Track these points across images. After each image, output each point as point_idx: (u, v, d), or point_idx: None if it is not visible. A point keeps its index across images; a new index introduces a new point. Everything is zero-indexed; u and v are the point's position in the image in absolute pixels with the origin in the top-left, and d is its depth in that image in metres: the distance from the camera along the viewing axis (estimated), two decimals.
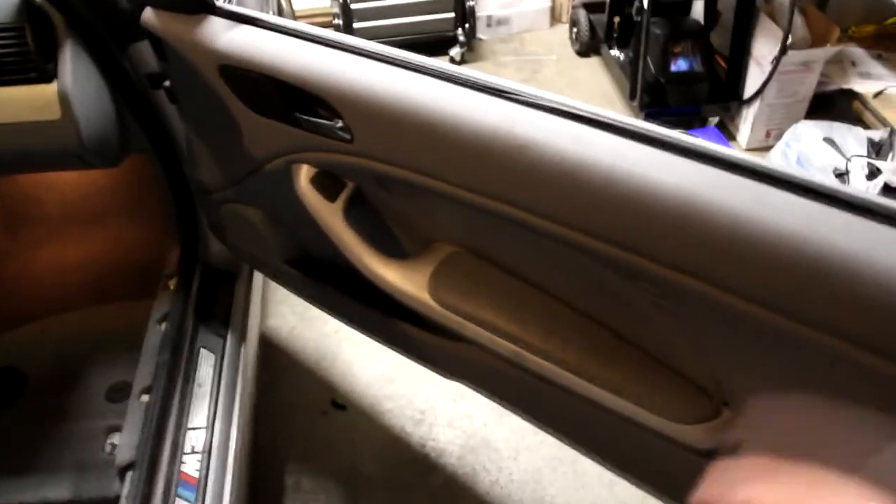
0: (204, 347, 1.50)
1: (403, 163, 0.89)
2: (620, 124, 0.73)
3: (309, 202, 1.07)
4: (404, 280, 1.05)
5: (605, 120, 0.74)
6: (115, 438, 1.48)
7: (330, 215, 1.08)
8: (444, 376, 1.29)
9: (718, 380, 0.83)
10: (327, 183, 1.08)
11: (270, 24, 1.00)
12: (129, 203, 1.92)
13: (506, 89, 0.80)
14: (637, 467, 1.07)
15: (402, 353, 1.34)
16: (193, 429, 1.36)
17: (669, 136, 0.71)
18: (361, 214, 1.10)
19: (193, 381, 1.43)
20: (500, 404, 1.24)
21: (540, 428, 1.20)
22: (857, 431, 0.71)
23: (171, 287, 1.59)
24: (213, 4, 1.04)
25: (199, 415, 1.39)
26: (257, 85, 1.01)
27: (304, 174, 1.07)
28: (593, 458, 1.16)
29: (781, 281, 0.65)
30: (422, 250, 1.09)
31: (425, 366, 1.31)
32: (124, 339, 1.67)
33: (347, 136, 0.92)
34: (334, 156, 0.98)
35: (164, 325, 1.51)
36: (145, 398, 1.39)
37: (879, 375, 0.63)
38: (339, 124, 0.93)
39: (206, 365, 1.47)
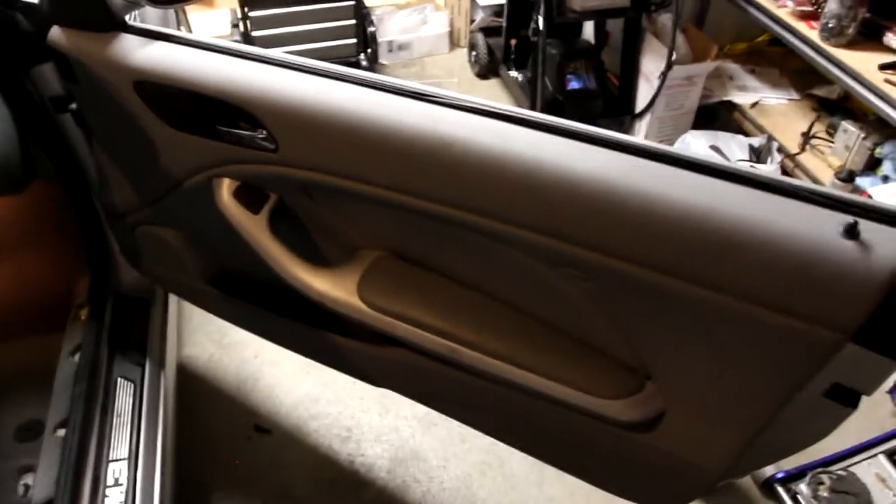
0: (121, 377, 1.45)
1: (329, 168, 0.91)
2: (538, 120, 0.79)
3: (232, 215, 1.08)
4: (333, 287, 1.07)
5: (524, 116, 0.79)
6: (29, 479, 1.41)
7: (254, 228, 1.08)
8: (373, 384, 1.30)
9: (640, 354, 0.89)
10: (250, 196, 1.09)
11: (186, 39, 1.00)
12: (28, 234, 1.83)
13: (426, 92, 0.84)
14: (568, 452, 1.12)
15: (329, 365, 1.34)
16: (115, 461, 1.32)
17: (583, 129, 0.78)
18: (285, 226, 1.11)
19: (112, 411, 1.38)
20: (429, 406, 1.27)
21: (472, 426, 1.23)
22: (765, 383, 0.78)
23: (83, 317, 1.54)
24: (125, 22, 1.04)
25: (120, 446, 1.34)
26: (175, 100, 1.01)
27: (226, 188, 1.08)
28: (525, 450, 1.20)
29: (692, 252, 0.71)
30: (347, 257, 1.11)
31: (353, 375, 1.32)
32: (32, 375, 1.59)
33: (271, 146, 0.94)
34: (258, 167, 0.99)
35: (76, 357, 1.46)
36: (61, 432, 1.33)
37: (778, 329, 0.71)
38: (262, 135, 0.95)
39: (124, 394, 1.43)
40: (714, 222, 0.70)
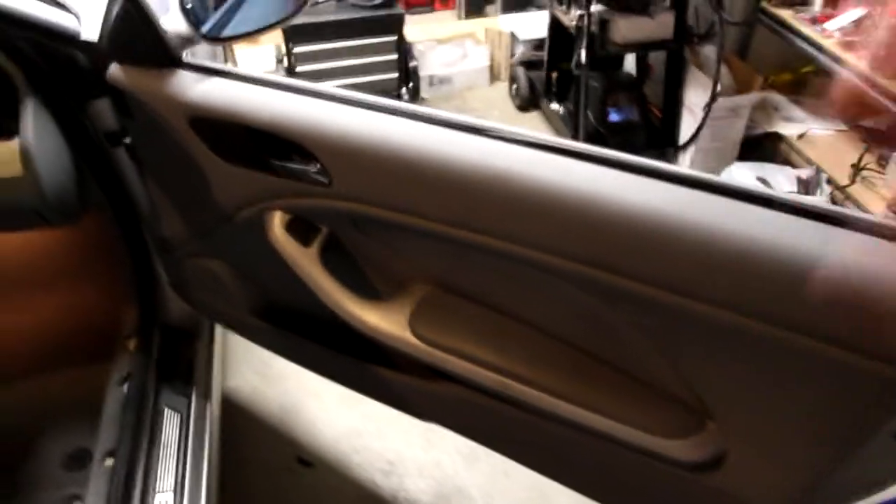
0: (168, 407, 1.46)
1: (384, 203, 0.91)
2: (594, 153, 0.78)
3: (283, 248, 1.08)
4: (385, 321, 1.06)
5: (580, 150, 0.78)
6: None
7: (306, 261, 1.08)
8: (420, 419, 1.28)
9: (699, 393, 0.86)
10: (301, 229, 1.09)
11: (240, 75, 1.02)
12: (78, 264, 1.87)
13: (482, 126, 0.84)
14: (623, 492, 1.08)
15: (376, 399, 1.33)
16: (161, 492, 1.32)
17: (640, 161, 0.76)
18: (336, 259, 1.11)
19: (159, 442, 1.39)
20: (478, 442, 1.24)
21: (522, 463, 1.20)
22: (835, 424, 0.75)
23: (131, 347, 1.55)
24: (181, 59, 1.05)
25: (166, 477, 1.34)
26: (230, 135, 1.02)
27: (278, 221, 1.08)
28: (577, 489, 1.16)
29: (755, 287, 0.69)
30: (398, 291, 1.11)
31: (400, 410, 1.31)
32: (79, 405, 1.61)
33: (325, 180, 0.94)
34: (310, 200, 0.99)
35: (125, 386, 1.47)
36: (109, 462, 1.34)
37: (851, 369, 0.68)
38: (316, 168, 0.95)
39: (171, 425, 1.43)
40: (781, 257, 0.67)
